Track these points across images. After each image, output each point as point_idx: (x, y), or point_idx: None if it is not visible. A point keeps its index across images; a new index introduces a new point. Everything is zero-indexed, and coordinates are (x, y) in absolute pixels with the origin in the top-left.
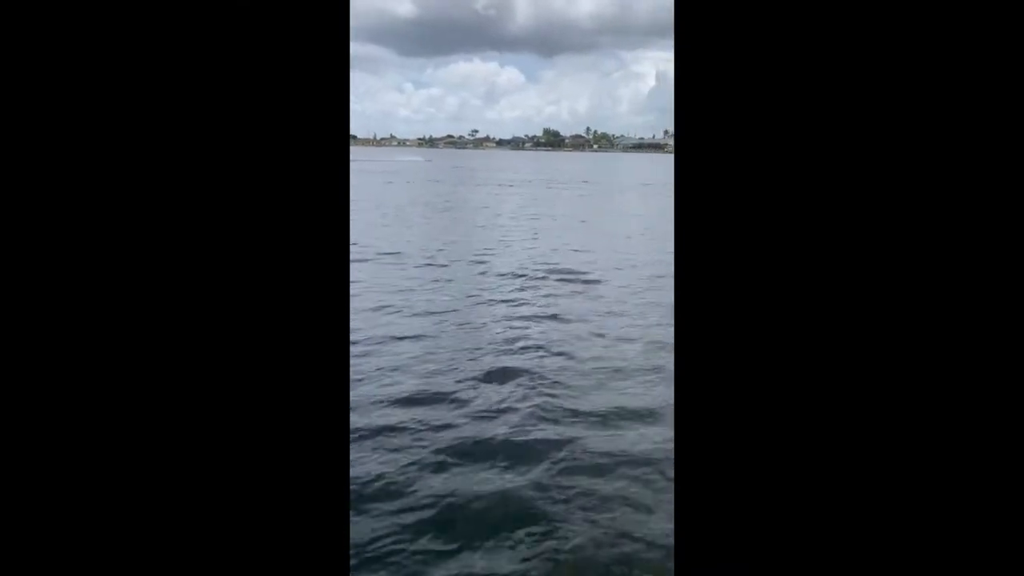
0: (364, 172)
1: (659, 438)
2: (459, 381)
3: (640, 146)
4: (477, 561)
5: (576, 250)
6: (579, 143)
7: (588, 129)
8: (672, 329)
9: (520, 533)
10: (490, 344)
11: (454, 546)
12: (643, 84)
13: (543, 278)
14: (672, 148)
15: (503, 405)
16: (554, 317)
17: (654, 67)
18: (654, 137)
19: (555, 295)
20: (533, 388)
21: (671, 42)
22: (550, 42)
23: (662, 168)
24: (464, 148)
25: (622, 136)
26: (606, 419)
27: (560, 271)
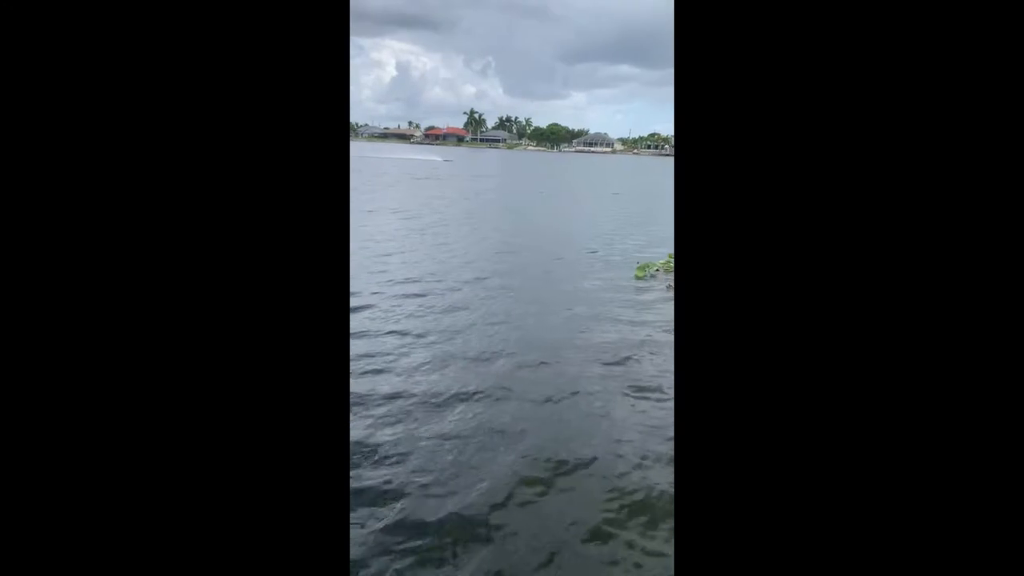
0: None
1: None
2: None
3: (386, 136)
4: None
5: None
6: None
7: None
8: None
9: None
10: None
11: None
12: (384, 73)
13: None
14: (418, 139)
15: None
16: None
17: (394, 57)
18: (399, 127)
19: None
20: None
21: (408, 32)
22: None
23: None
24: None
25: (367, 125)
26: None
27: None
